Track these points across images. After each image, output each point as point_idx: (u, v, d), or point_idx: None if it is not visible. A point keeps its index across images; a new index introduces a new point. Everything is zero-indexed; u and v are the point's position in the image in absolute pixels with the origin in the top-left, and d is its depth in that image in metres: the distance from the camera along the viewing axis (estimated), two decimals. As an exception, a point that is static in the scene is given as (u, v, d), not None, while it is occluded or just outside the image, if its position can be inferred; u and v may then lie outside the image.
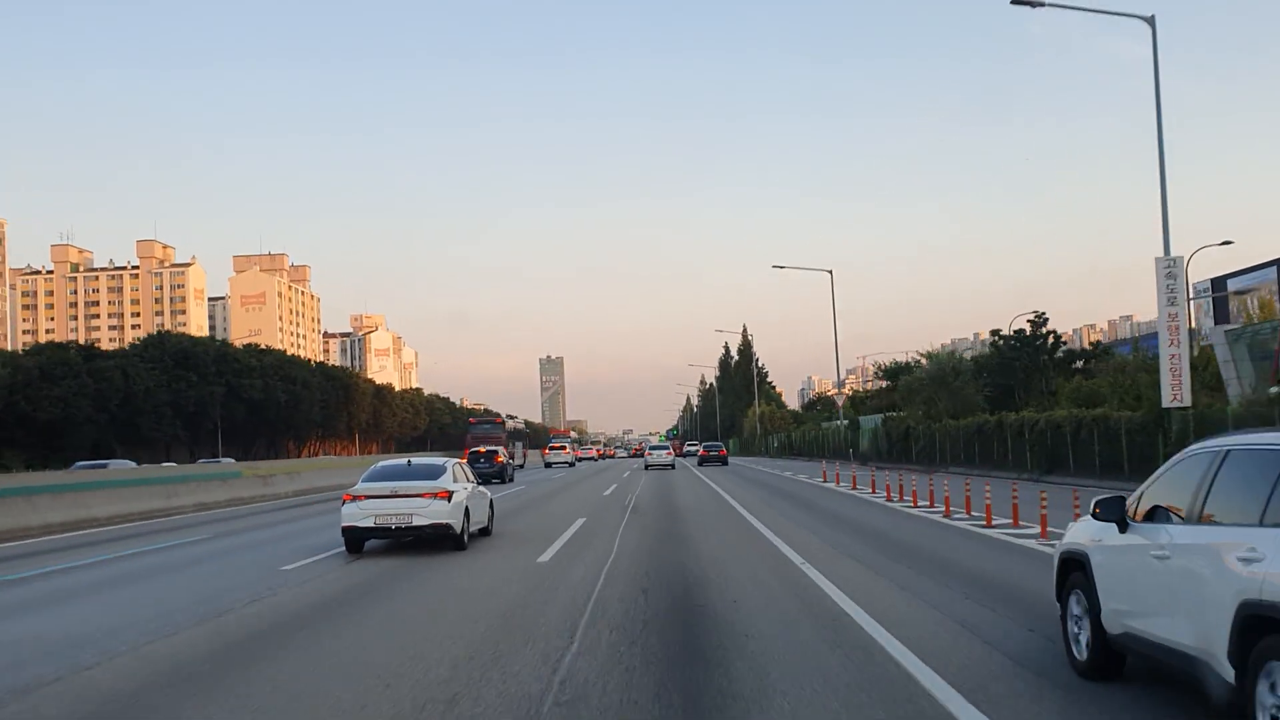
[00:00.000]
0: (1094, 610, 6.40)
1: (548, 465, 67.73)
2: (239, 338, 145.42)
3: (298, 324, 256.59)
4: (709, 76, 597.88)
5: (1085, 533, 6.75)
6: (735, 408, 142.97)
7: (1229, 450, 5.41)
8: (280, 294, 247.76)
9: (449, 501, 14.89)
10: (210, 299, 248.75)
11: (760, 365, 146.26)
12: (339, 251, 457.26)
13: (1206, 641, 4.97)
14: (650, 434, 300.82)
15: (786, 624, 8.92)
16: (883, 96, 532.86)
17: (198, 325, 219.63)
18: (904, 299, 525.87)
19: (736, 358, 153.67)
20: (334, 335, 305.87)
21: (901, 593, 10.65)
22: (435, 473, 15.44)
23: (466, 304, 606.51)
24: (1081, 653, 6.65)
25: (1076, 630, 6.76)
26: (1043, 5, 24.80)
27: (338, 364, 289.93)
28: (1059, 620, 7.16)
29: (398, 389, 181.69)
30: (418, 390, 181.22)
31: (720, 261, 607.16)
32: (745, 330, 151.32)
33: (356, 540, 15.13)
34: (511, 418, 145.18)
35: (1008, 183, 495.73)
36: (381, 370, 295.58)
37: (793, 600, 10.27)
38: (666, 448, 60.45)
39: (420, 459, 17.93)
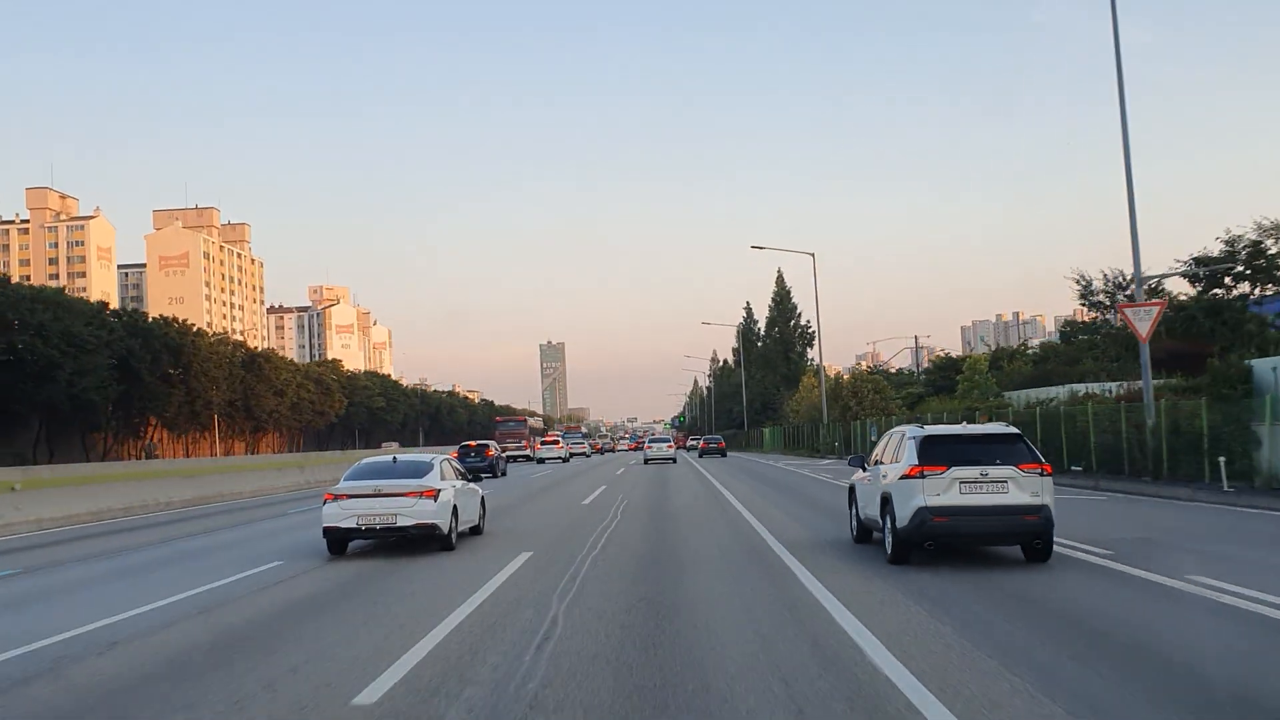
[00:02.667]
0: (856, 510, 14.44)
1: (540, 461, 67.31)
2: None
3: (232, 291, 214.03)
4: (711, 58, 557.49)
5: (857, 474, 14.60)
6: (767, 384, 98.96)
7: (891, 432, 13.43)
8: (208, 255, 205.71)
9: (435, 500, 14.46)
10: (127, 267, 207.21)
11: (805, 323, 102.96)
12: (328, 234, 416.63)
13: (878, 514, 12.71)
14: (655, 422, 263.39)
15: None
16: (881, 85, 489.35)
17: (103, 292, 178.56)
18: (902, 291, 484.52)
19: (768, 317, 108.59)
20: (288, 310, 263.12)
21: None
22: (421, 470, 14.96)
23: (462, 287, 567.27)
24: (854, 531, 14.63)
25: (853, 522, 14.66)
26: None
27: (292, 343, 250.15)
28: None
29: (350, 368, 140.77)
30: (333, 363, 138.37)
31: (722, 248, 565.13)
32: (781, 277, 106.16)
33: (339, 541, 14.54)
34: (532, 414, 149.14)
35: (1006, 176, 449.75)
36: (345, 350, 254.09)
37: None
38: (668, 440, 61.14)
39: (406, 456, 16.46)
